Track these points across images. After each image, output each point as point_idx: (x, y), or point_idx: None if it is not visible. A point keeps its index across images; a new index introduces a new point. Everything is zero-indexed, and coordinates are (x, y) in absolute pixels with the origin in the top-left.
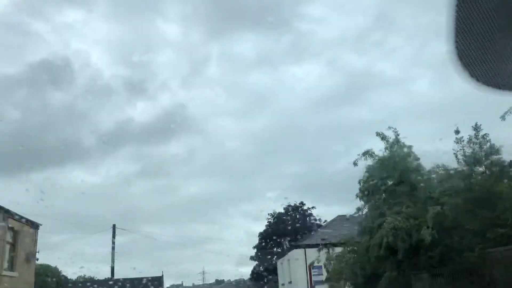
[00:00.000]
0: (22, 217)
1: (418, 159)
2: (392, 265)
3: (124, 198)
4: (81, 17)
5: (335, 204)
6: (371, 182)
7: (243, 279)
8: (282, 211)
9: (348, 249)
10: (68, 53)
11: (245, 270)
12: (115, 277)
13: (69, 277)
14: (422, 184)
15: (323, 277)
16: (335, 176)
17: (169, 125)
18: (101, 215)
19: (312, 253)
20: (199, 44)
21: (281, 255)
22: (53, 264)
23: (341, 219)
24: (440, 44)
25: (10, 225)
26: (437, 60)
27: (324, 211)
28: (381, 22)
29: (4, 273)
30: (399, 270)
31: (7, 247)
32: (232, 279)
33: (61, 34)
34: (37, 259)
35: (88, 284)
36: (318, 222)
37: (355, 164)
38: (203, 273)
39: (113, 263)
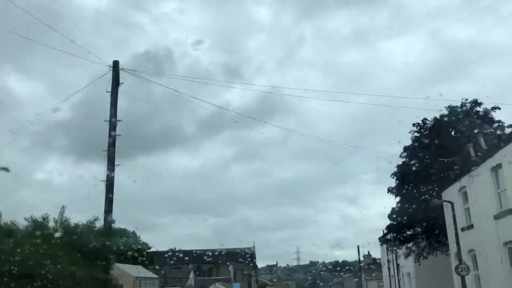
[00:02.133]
0: None
1: None
2: None
3: (221, 181)
4: (177, 6)
5: None
6: None
7: (338, 261)
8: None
9: None
10: (168, 42)
11: (339, 253)
12: None
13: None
14: None
15: None
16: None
17: (264, 109)
18: (200, 197)
19: None
20: (291, 25)
21: (443, 185)
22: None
23: None
24: None
25: None
26: None
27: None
28: None
29: None
30: None
31: None
32: (326, 261)
33: (161, 25)
34: None
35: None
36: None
37: None
38: (297, 252)
39: (114, 149)
